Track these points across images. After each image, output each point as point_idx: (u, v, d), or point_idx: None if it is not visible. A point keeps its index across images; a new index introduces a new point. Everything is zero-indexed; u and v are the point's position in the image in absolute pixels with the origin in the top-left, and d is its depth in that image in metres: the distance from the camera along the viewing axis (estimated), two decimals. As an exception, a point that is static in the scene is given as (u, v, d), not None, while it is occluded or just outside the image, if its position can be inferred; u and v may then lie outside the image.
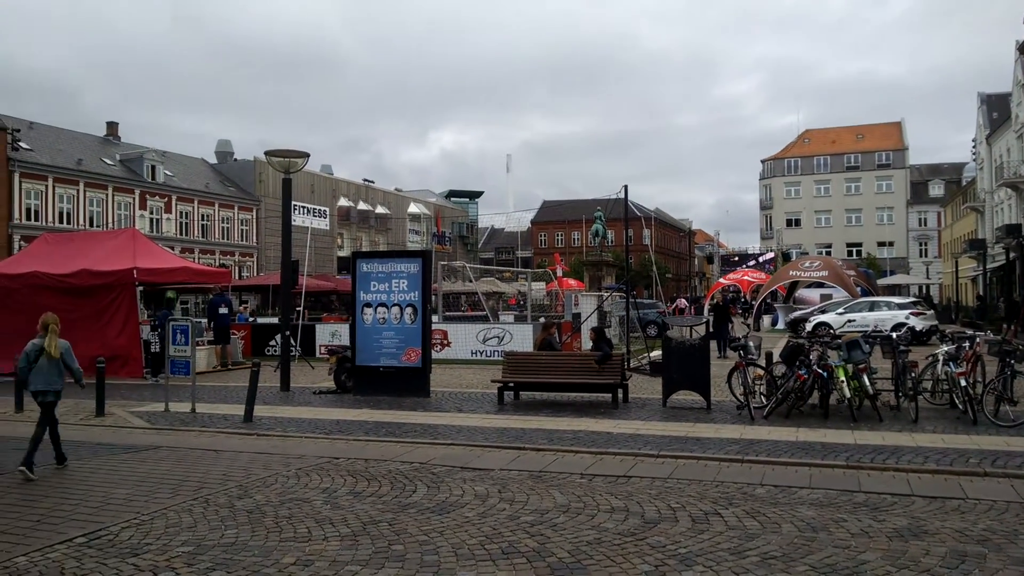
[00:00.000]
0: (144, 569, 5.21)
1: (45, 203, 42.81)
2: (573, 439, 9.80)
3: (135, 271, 17.57)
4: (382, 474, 8.04)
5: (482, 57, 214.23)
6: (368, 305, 14.31)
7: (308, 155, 15.61)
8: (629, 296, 22.01)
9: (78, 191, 44.82)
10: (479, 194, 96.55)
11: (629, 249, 21.79)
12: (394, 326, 14.12)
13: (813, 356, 11.41)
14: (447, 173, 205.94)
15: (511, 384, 13.21)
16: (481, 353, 21.23)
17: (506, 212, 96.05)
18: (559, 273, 42.90)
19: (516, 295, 48.25)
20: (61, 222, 42.95)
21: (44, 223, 41.60)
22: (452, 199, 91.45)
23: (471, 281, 41.67)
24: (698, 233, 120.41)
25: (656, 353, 18.16)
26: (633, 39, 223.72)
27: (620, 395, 12.70)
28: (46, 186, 42.91)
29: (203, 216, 53.52)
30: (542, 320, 24.89)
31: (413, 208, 77.38)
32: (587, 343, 18.47)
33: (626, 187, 19.25)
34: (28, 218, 41.67)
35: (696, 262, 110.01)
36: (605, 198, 56.20)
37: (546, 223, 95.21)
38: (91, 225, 44.64)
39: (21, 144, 42.11)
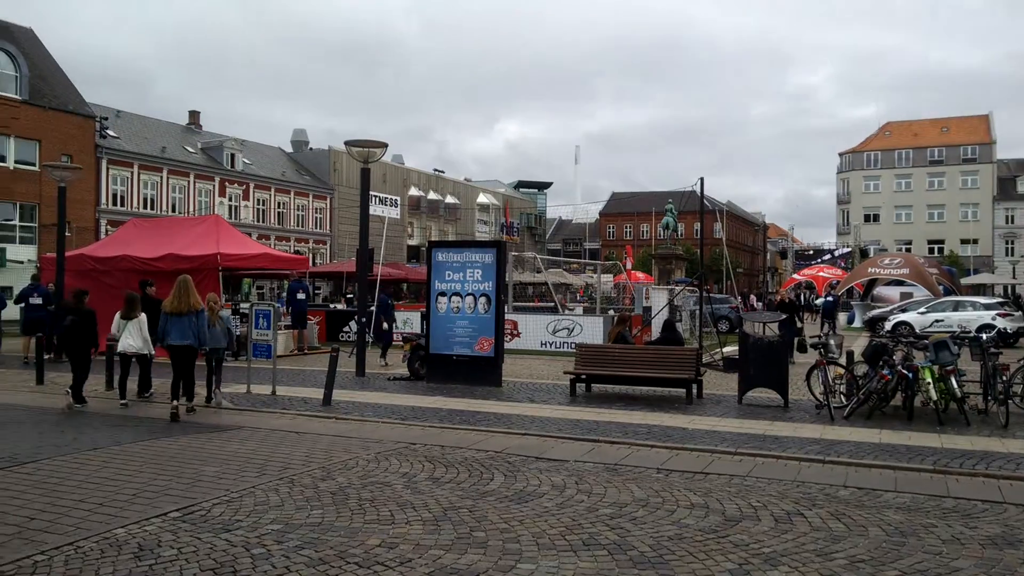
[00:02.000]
0: (236, 544, 5.39)
1: (130, 189, 44.46)
2: (648, 433, 9.74)
3: (219, 256, 18.14)
4: (459, 461, 8.14)
5: (548, 47, 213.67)
6: (443, 294, 14.47)
7: (386, 145, 15.82)
8: (702, 290, 21.71)
9: (161, 178, 46.41)
10: (548, 185, 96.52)
11: (703, 242, 21.48)
12: (467, 315, 14.24)
13: (897, 356, 11.09)
14: (512, 164, 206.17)
15: (583, 376, 13.20)
16: (551, 344, 21.26)
17: (575, 204, 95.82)
18: (628, 266, 42.57)
19: (583, 287, 48.15)
20: (145, 208, 44.55)
21: (129, 208, 43.21)
22: (521, 190, 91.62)
23: (539, 272, 41.74)
24: (770, 227, 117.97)
25: (730, 349, 17.90)
26: (703, 27, 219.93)
27: (694, 391, 12.57)
28: (132, 173, 44.55)
29: (279, 204, 54.83)
30: (611, 312, 24.78)
31: (482, 198, 77.81)
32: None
33: (702, 179, 18.99)
34: (114, 203, 43.34)
35: (769, 257, 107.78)
36: (676, 190, 55.58)
37: (615, 215, 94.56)
38: (173, 211, 46.19)
39: (109, 132, 43.81)
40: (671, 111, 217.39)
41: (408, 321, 23.10)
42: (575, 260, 61.67)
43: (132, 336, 11.73)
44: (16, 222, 38.49)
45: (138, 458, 8.09)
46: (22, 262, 37.87)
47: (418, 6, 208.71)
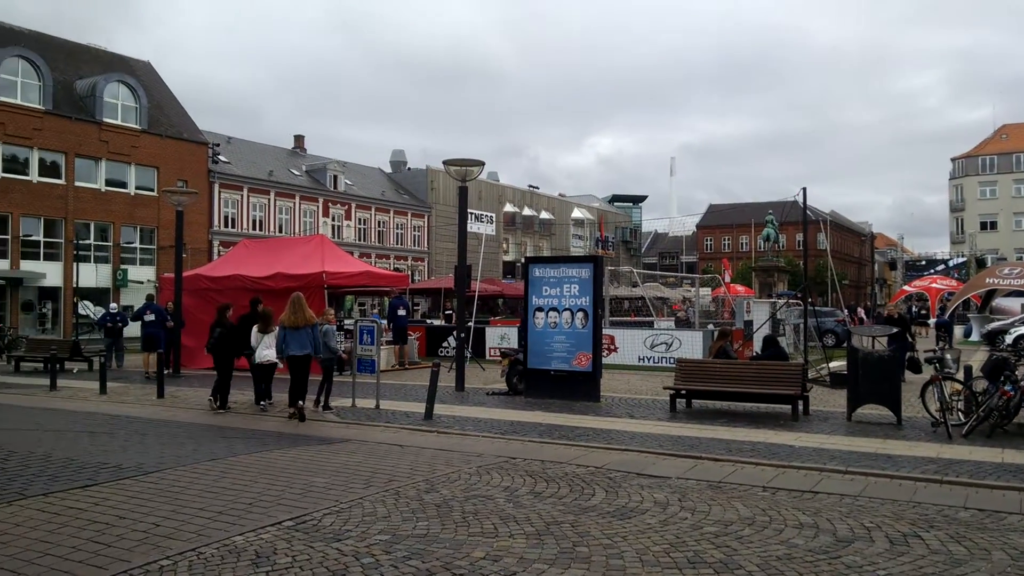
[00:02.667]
0: (347, 554, 5.57)
1: (240, 211, 46.56)
2: (752, 450, 9.53)
3: (324, 274, 18.79)
4: (559, 476, 8.16)
5: (640, 60, 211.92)
6: (540, 309, 14.55)
7: (483, 163, 16.09)
8: (807, 303, 21.07)
9: (269, 200, 48.42)
10: (643, 199, 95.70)
11: (807, 254, 20.87)
12: (565, 330, 14.28)
13: (1020, 371, 10.49)
14: (604, 178, 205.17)
15: (683, 391, 13.02)
16: (649, 359, 21.04)
17: (670, 216, 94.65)
18: (727, 279, 41.72)
19: (680, 300, 47.43)
20: (254, 229, 46.54)
21: (239, 230, 45.24)
22: (615, 204, 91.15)
23: (635, 286, 41.39)
24: (878, 237, 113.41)
25: (837, 364, 17.30)
26: (800, 34, 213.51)
27: (800, 407, 12.21)
28: (241, 195, 46.66)
29: (379, 222, 56.34)
30: (710, 327, 24.33)
31: (576, 213, 77.80)
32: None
33: (804, 190, 18.47)
34: (225, 225, 45.46)
35: (876, 268, 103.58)
36: (776, 201, 54.14)
37: (713, 227, 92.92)
38: (280, 231, 48.08)
39: (220, 157, 46.06)
40: (768, 120, 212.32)
41: (505, 336, 23.31)
42: (672, 274, 60.84)
43: (269, 347, 12.91)
44: (137, 244, 40.85)
45: (253, 469, 8.45)
46: (142, 282, 40.14)
47: (509, 28, 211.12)
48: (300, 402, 12.14)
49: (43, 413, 13.10)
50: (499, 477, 8.10)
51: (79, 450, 9.54)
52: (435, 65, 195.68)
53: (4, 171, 35.35)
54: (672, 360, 17.94)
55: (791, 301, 25.24)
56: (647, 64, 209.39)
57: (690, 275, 54.26)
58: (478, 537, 5.99)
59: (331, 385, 13.09)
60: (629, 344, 21.57)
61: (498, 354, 20.88)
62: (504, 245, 66.44)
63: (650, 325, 27.24)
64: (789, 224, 58.71)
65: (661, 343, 21.16)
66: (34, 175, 36.43)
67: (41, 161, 36.74)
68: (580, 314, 14.18)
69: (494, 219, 31.32)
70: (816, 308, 29.24)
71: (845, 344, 17.20)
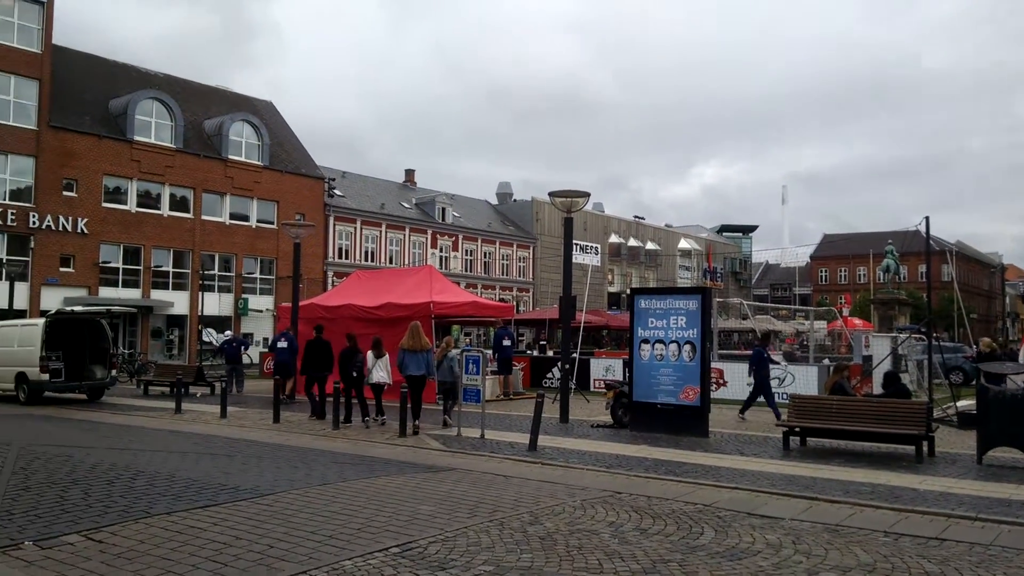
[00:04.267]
0: (451, 583, 5.59)
1: (354, 243, 48.16)
2: (872, 493, 9.05)
3: (432, 304, 19.15)
4: (666, 513, 7.97)
5: (743, 87, 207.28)
6: (646, 341, 14.35)
7: (589, 194, 16.11)
8: (931, 338, 19.99)
9: (381, 232, 49.91)
10: (752, 228, 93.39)
11: (931, 286, 19.83)
12: (672, 363, 14.01)
13: None
14: (711, 208, 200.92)
15: (797, 428, 12.53)
16: (760, 394, 20.33)
17: (782, 247, 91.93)
18: (845, 312, 40.08)
19: (794, 334, 45.84)
20: (366, 260, 48.02)
21: (352, 261, 46.77)
22: (724, 234, 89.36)
23: (745, 318, 40.32)
24: (1009, 268, 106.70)
25: (965, 403, 16.29)
26: (914, 58, 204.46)
27: (925, 448, 11.53)
28: (355, 228, 48.29)
29: (485, 254, 57.13)
30: (826, 362, 23.40)
31: (683, 244, 76.68)
32: (879, 389, 17.03)
33: (927, 219, 17.64)
34: (339, 256, 47.09)
35: (1008, 301, 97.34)
36: (896, 230, 51.84)
37: (828, 258, 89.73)
38: (391, 263, 49.43)
39: (335, 191, 47.89)
40: (881, 146, 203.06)
41: (610, 368, 23.08)
42: (784, 306, 58.98)
43: (382, 370, 14.77)
44: (257, 275, 42.82)
45: (362, 495, 8.62)
46: (261, 311, 41.99)
47: (607, 60, 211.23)
48: (416, 422, 13.87)
49: (168, 435, 13.81)
50: (604, 511, 7.98)
51: (200, 471, 9.98)
52: (535, 98, 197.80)
53: (138, 206, 37.85)
54: (785, 396, 17.32)
55: (914, 336, 23.99)
56: (751, 91, 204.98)
57: (804, 307, 52.47)
58: (583, 572, 5.90)
59: (456, 403, 14.54)
60: (738, 378, 20.92)
61: (603, 386, 20.69)
62: (609, 276, 66.08)
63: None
64: (911, 255, 56.14)
65: (774, 378, 20.44)
66: (165, 209, 38.84)
67: (172, 196, 39.16)
68: (687, 347, 13.90)
69: (599, 250, 31.30)
70: (942, 343, 27.68)
71: (974, 382, 16.20)
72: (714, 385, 20.25)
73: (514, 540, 6.77)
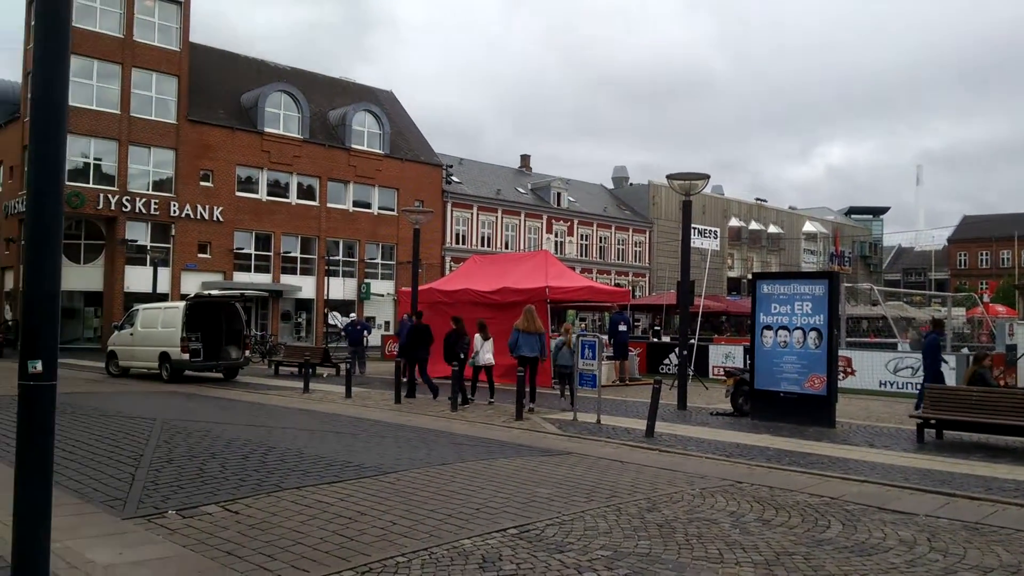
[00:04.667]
0: (568, 566, 5.60)
1: (470, 228, 48.88)
2: (1016, 490, 8.46)
3: (547, 289, 19.21)
4: (790, 504, 7.71)
5: (869, 62, 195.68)
6: (768, 328, 13.91)
7: (708, 177, 15.72)
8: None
9: (496, 217, 50.43)
10: (884, 210, 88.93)
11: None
12: (796, 350, 13.53)
13: None
14: (836, 190, 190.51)
15: (933, 420, 11.85)
16: (891, 384, 19.43)
17: (916, 229, 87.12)
18: (985, 298, 37.64)
19: (927, 322, 43.41)
20: (483, 245, 48.65)
21: (469, 246, 47.49)
22: (852, 216, 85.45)
23: (875, 304, 38.47)
24: None
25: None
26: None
27: (1077, 444, 10.68)
28: (471, 214, 48.99)
29: (600, 238, 56.80)
30: (965, 351, 22.03)
31: (808, 227, 73.83)
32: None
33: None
34: (457, 242, 47.90)
35: None
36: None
37: (967, 241, 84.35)
38: (506, 248, 49.89)
39: (453, 178, 48.70)
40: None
41: (730, 355, 22.54)
42: (918, 292, 55.90)
43: (488, 352, 15.29)
44: (379, 260, 44.15)
45: (480, 476, 8.77)
46: (383, 295, 43.28)
47: (722, 39, 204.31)
48: (531, 404, 14.29)
49: (297, 413, 14.46)
50: (724, 501, 7.81)
51: (327, 449, 10.40)
52: (650, 80, 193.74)
53: (268, 195, 39.67)
54: (918, 386, 16.45)
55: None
56: (880, 66, 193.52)
57: (940, 293, 49.62)
58: (702, 562, 5.79)
59: (574, 385, 14.52)
60: (868, 367, 20.04)
61: (722, 373, 20.23)
62: (729, 261, 64.42)
63: (893, 347, 25.17)
64: (1062, 237, 51.97)
65: (906, 367, 19.45)
66: (293, 198, 40.55)
67: (299, 185, 40.84)
68: (813, 333, 13.37)
69: (718, 234, 30.36)
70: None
71: None
72: (842, 374, 19.45)
73: (631, 526, 6.72)
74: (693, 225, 17.64)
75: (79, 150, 33.57)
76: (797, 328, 13.54)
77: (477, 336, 15.41)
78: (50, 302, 4.34)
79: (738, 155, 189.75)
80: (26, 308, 4.36)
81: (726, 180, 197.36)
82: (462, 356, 15.61)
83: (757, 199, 72.42)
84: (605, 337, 20.13)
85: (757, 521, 7.02)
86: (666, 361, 24.13)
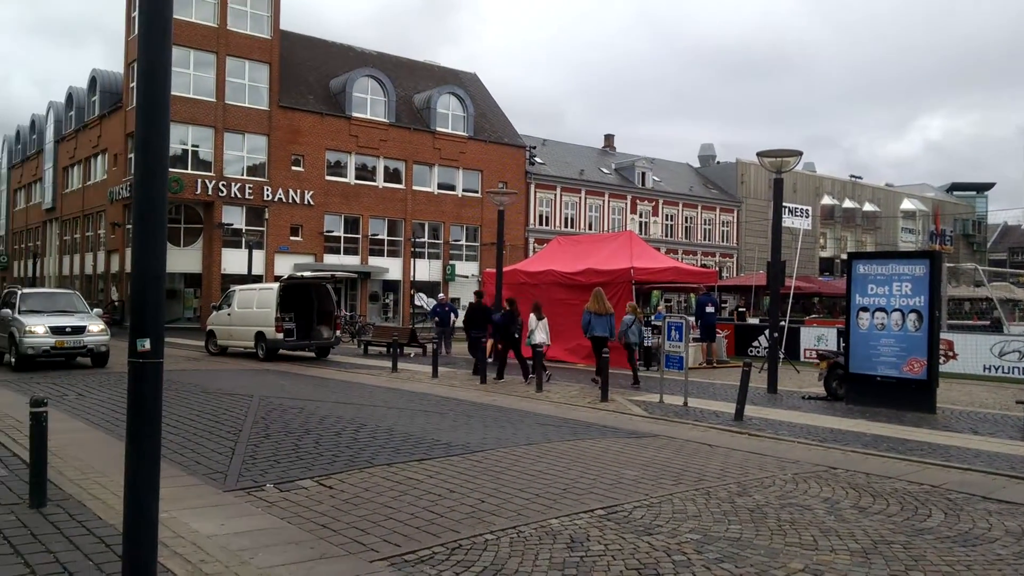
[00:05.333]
0: (657, 548, 5.57)
1: (554, 209, 48.78)
2: None
3: (632, 270, 19.02)
4: (887, 492, 7.45)
5: (975, 31, 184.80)
6: (864, 309, 13.42)
7: (801, 153, 15.22)
8: None
9: (580, 198, 50.16)
10: (989, 186, 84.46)
11: None
12: (894, 333, 13.02)
13: None
14: (935, 165, 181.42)
15: (1043, 407, 11.25)
16: (996, 368, 18.50)
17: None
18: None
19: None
20: (566, 226, 48.49)
21: (552, 227, 47.40)
22: (954, 193, 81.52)
23: (979, 285, 36.71)
24: None
25: None
26: None
27: None
28: (554, 195, 48.85)
29: (686, 218, 55.84)
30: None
31: (906, 204, 70.84)
32: None
33: None
34: (540, 223, 47.88)
35: None
36: None
37: (1080, 218, 79.27)
38: (590, 229, 49.61)
39: (536, 159, 48.60)
40: None
41: (823, 337, 21.88)
42: (1025, 272, 52.99)
43: (542, 332, 15.69)
44: (463, 242, 44.56)
45: (566, 456, 8.78)
46: (467, 276, 43.70)
47: (812, 11, 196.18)
48: (599, 377, 14.31)
49: (386, 392, 14.77)
50: (817, 487, 7.60)
51: (415, 427, 10.60)
52: (736, 55, 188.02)
53: (356, 178, 40.47)
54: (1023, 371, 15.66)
55: None
56: (982, 34, 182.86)
57: (1050, 273, 46.90)
58: (796, 548, 5.66)
59: (636, 366, 16.31)
60: (972, 351, 19.12)
61: (814, 356, 19.67)
62: (821, 240, 62.43)
63: (998, 330, 23.97)
64: None
65: (1014, 351, 18.49)
66: (380, 181, 41.26)
67: (386, 169, 41.51)
68: (912, 315, 12.84)
69: (810, 212, 29.49)
70: None
71: None
72: (943, 358, 18.65)
73: (721, 510, 6.62)
74: (784, 204, 17.14)
75: (177, 137, 34.91)
76: (895, 310, 13.03)
77: (531, 316, 15.84)
78: (156, 283, 4.53)
79: (831, 131, 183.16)
80: (134, 289, 4.56)
81: (818, 157, 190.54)
82: (516, 336, 16.42)
83: (852, 176, 69.83)
84: (692, 319, 19.81)
85: (853, 508, 6.81)
86: (755, 344, 23.60)
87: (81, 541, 5.50)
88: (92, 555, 5.23)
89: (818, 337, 22.26)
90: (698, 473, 8.05)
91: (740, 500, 6.98)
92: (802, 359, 21.57)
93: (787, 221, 21.42)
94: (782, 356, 20.33)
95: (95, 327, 18.25)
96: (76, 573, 4.93)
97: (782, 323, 19.56)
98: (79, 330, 17.90)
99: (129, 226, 37.27)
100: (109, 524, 5.84)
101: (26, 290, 20.67)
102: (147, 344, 4.48)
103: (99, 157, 42.51)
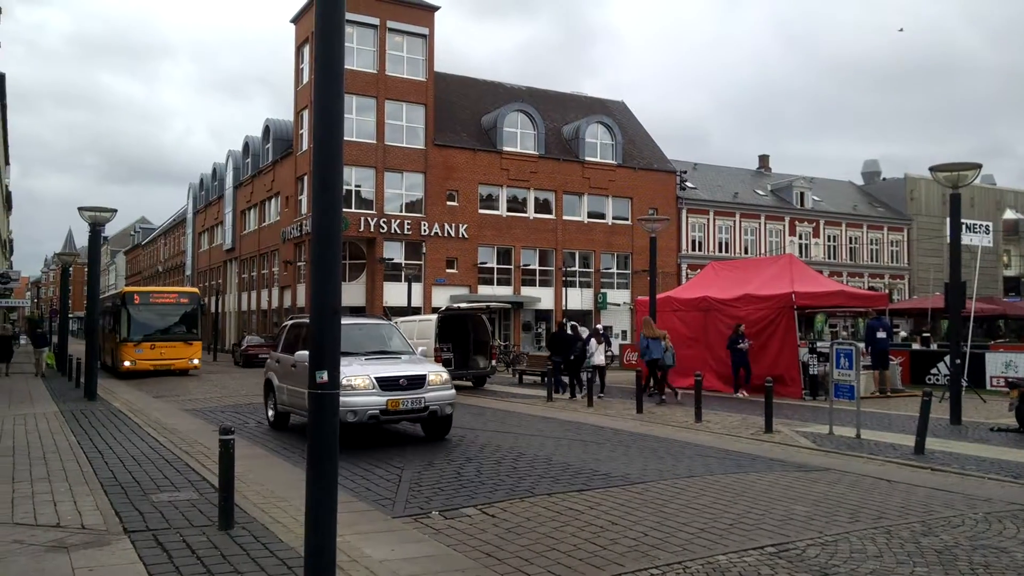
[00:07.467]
0: (835, 590, 5.25)
1: (707, 234, 47.71)
2: None
3: (793, 295, 18.25)
4: (1101, 536, 6.69)
5: None
6: (1061, 332, 12.21)
7: (980, 166, 14.15)
8: None
9: (734, 222, 48.82)
10: None
11: None
12: (1098, 358, 11.75)
13: None
14: None
15: None
16: None
17: None
18: None
19: None
20: (720, 251, 47.28)
21: (706, 252, 46.34)
22: None
23: None
24: None
25: None
26: None
27: None
28: (707, 219, 47.80)
29: (850, 239, 53.07)
30: None
31: (1106, 216, 63.99)
32: None
33: None
34: (692, 248, 46.94)
35: None
36: None
37: None
38: (745, 253, 48.11)
39: (687, 184, 47.81)
40: None
41: (1012, 363, 20.08)
42: None
43: (601, 354, 18.86)
44: (614, 269, 44.36)
45: (731, 490, 8.48)
46: (619, 304, 43.42)
47: (971, 13, 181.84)
48: (662, 397, 17.69)
49: (542, 421, 14.85)
50: (1014, 527, 6.95)
51: (573, 456, 10.58)
52: (894, 64, 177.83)
53: (508, 210, 41.30)
54: None
55: None
56: None
57: None
58: (994, 595, 5.19)
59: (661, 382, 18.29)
60: None
61: (1004, 384, 18.10)
62: (1005, 258, 57.49)
63: None
64: None
65: None
66: (531, 212, 41.90)
67: (536, 199, 42.11)
68: (1120, 338, 11.56)
69: (991, 228, 27.23)
70: None
71: None
72: None
73: (905, 551, 6.17)
74: (962, 220, 15.96)
75: (343, 178, 36.92)
76: (1099, 333, 11.77)
77: (592, 340, 18.84)
78: (334, 318, 4.80)
79: (1003, 138, 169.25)
80: (313, 323, 4.85)
81: (994, 167, 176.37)
82: (572, 358, 19.06)
83: (1037, 187, 64.06)
84: (862, 345, 18.71)
85: (1060, 553, 6.17)
86: (934, 371, 21.97)
87: (265, 563, 5.84)
88: None
89: (1006, 363, 20.44)
90: (877, 510, 7.55)
91: (926, 540, 6.48)
92: (988, 387, 19.87)
93: (966, 239, 19.92)
94: (966, 384, 18.83)
95: (434, 375, 11.87)
96: (262, 592, 5.24)
97: (964, 348, 18.13)
98: (417, 382, 11.53)
99: (300, 263, 39.74)
100: (291, 547, 6.18)
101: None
102: (324, 376, 4.74)
103: (272, 200, 45.65)
